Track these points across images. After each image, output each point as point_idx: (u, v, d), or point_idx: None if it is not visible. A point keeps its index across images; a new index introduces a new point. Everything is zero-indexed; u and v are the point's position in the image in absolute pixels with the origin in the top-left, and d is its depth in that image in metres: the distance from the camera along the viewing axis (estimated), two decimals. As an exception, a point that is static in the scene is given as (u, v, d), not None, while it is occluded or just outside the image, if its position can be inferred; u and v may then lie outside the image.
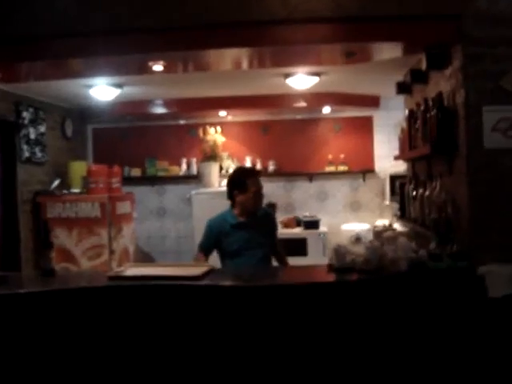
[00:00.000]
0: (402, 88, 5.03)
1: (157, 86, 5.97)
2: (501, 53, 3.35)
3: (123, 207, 6.24)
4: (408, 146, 4.57)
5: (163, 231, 7.62)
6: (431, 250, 3.46)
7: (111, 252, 5.95)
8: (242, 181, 4.01)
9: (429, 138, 3.82)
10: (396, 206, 7.01)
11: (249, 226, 4.07)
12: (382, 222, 7.08)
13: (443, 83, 3.87)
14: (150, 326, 3.15)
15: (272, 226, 4.31)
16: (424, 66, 3.91)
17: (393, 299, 3.19)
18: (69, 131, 7.16)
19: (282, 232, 6.33)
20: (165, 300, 3.19)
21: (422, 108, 4.09)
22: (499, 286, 3.12)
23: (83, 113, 7.33)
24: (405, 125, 4.72)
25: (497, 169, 3.35)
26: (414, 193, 4.39)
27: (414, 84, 4.66)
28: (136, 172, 7.54)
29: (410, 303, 3.16)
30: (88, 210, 5.99)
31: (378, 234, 4.78)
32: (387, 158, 7.22)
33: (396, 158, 5.15)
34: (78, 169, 6.40)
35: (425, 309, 3.15)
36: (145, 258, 7.48)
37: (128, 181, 7.38)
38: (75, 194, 6.16)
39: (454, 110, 3.59)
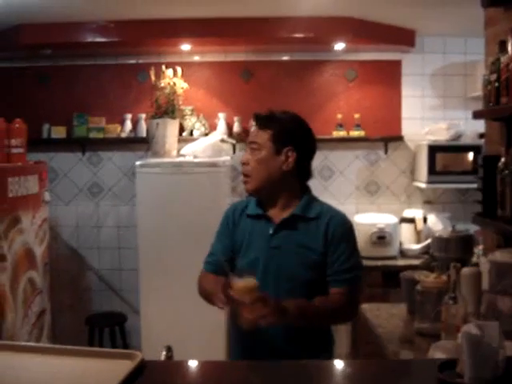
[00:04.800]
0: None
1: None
2: None
3: (23, 185, 3.95)
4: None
5: (98, 218, 5.30)
6: None
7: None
8: None
9: None
10: (432, 189, 4.99)
11: (273, 224, 2.24)
12: (414, 213, 4.95)
13: None
14: None
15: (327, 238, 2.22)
16: None
17: None
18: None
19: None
20: None
21: None
22: None
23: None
24: (504, 59, 2.63)
25: None
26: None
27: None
28: (59, 132, 5.20)
29: None
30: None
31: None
32: (420, 121, 5.15)
33: (477, 114, 2.98)
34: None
35: None
36: (70, 256, 5.26)
37: (48, 144, 5.24)
38: None
39: None
